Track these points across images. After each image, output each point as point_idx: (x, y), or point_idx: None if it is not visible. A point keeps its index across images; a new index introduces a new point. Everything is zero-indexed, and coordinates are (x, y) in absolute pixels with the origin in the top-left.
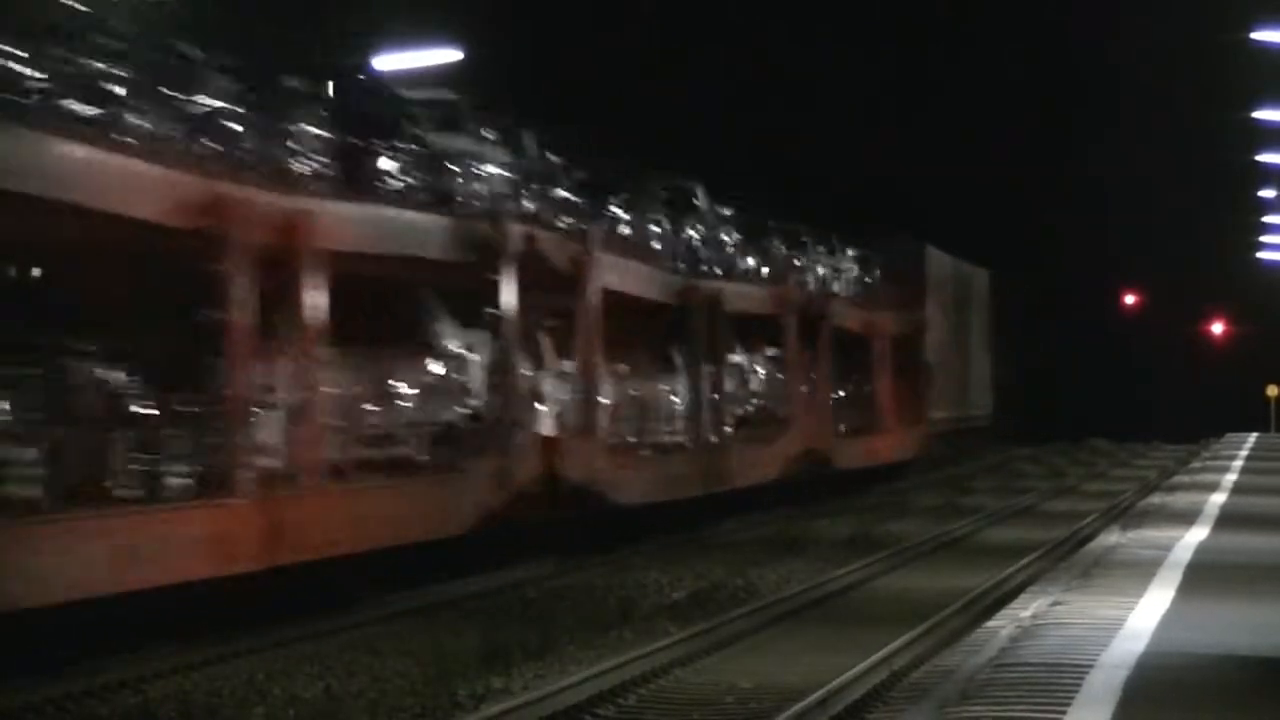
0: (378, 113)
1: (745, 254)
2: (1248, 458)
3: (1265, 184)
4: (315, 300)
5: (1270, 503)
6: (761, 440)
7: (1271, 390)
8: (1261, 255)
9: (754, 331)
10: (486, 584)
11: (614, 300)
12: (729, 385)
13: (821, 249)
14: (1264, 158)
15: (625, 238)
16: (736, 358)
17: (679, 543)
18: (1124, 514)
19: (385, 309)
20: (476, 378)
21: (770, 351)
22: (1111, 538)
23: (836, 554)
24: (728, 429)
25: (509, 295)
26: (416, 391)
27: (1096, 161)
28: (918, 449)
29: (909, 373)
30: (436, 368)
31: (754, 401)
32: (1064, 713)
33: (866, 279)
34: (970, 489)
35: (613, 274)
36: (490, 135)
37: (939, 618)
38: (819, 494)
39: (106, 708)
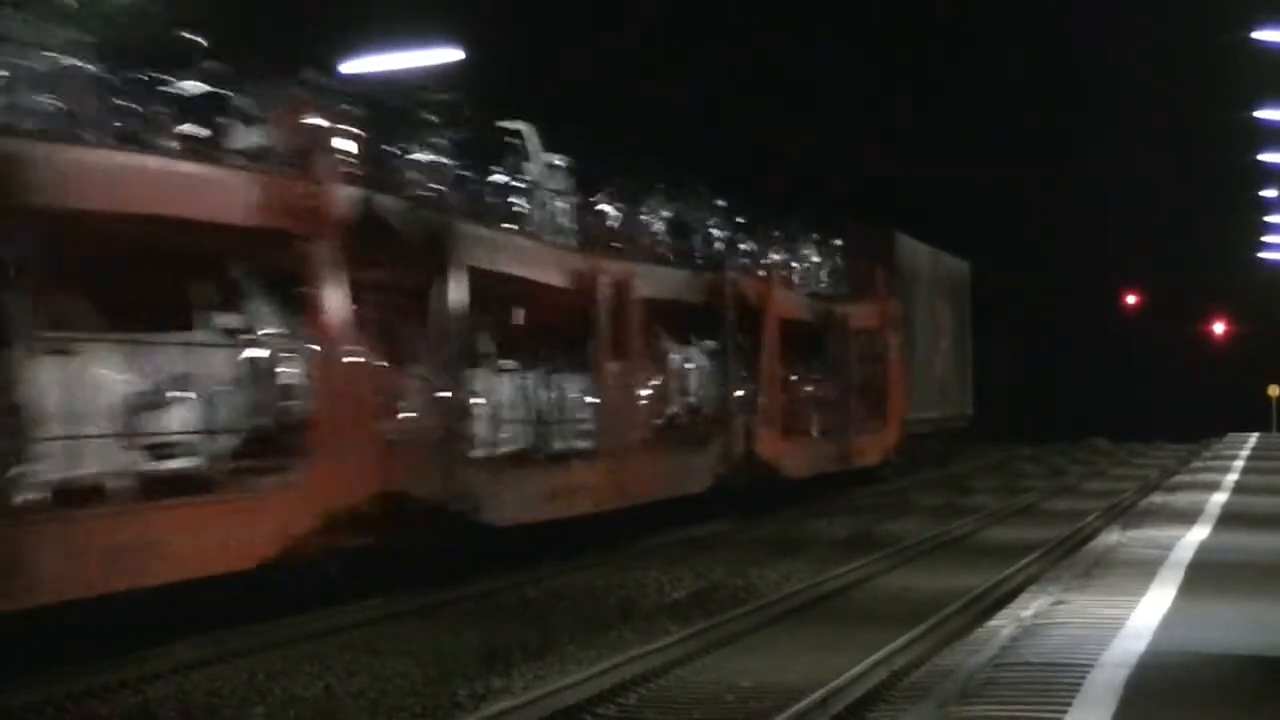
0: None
1: (676, 234)
2: (1249, 458)
3: (1266, 184)
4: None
5: (1272, 502)
6: (688, 445)
7: (1273, 390)
8: (1262, 255)
9: (688, 323)
10: (487, 584)
11: (491, 282)
12: (646, 383)
13: (776, 233)
14: (1264, 157)
15: (505, 202)
16: (663, 352)
17: (679, 543)
18: (1125, 513)
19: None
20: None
21: (709, 346)
22: (1112, 537)
23: (836, 553)
24: (645, 433)
25: (327, 274)
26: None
27: (1096, 161)
28: (886, 453)
29: (876, 370)
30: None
31: (684, 401)
32: (1065, 712)
33: (826, 267)
34: (970, 488)
35: (482, 250)
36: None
37: (939, 617)
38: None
39: (106, 708)
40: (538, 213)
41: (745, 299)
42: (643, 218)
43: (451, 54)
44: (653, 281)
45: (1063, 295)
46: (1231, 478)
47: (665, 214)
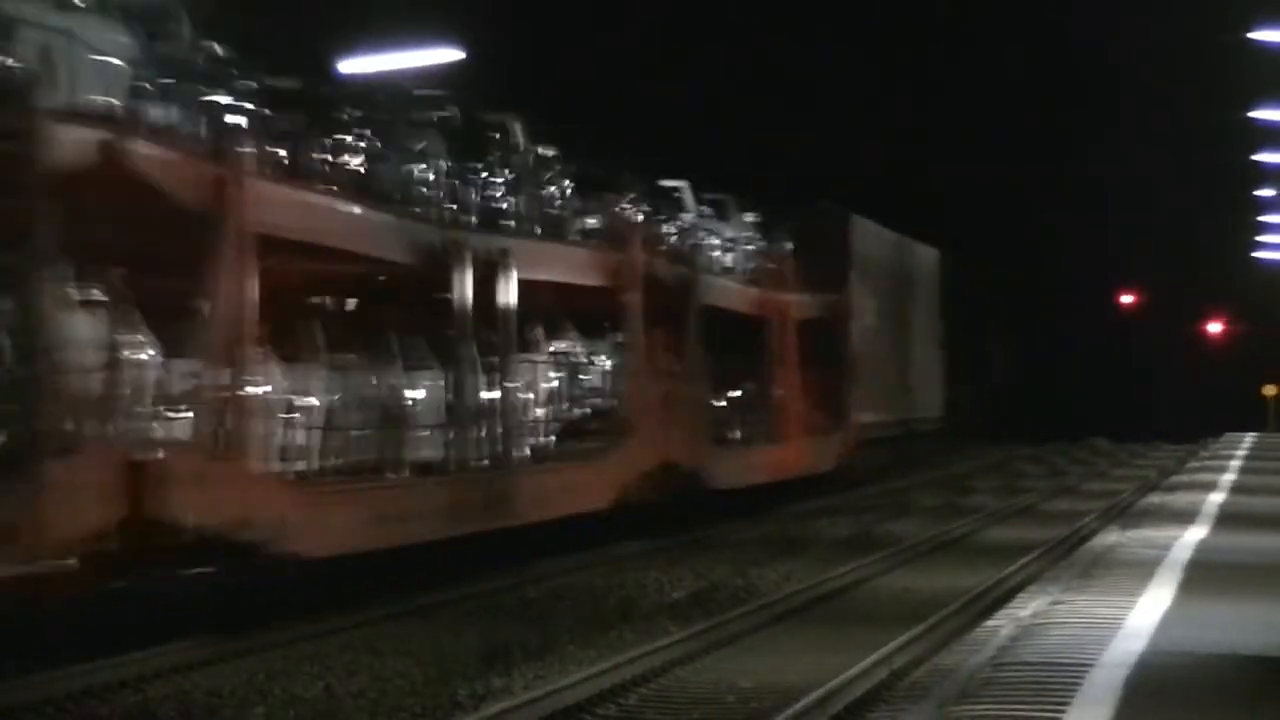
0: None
1: (578, 210)
2: (1246, 457)
3: (1264, 184)
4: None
5: (1269, 502)
6: (583, 456)
7: (1269, 390)
8: (1261, 255)
9: (596, 313)
10: (487, 584)
11: (297, 257)
12: (524, 382)
13: (706, 211)
14: (1264, 157)
15: (322, 161)
16: (549, 345)
17: (679, 543)
18: (1123, 513)
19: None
20: None
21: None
22: (1111, 537)
23: (836, 553)
24: (520, 441)
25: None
26: None
27: (1096, 161)
28: (838, 459)
29: (829, 366)
30: None
31: (581, 404)
32: (1064, 712)
33: (770, 252)
34: (970, 488)
35: (285, 213)
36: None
37: (939, 617)
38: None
39: (106, 708)
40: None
41: (661, 284)
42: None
43: (451, 54)
44: (534, 260)
45: (1063, 295)
46: (1229, 478)
47: (561, 181)
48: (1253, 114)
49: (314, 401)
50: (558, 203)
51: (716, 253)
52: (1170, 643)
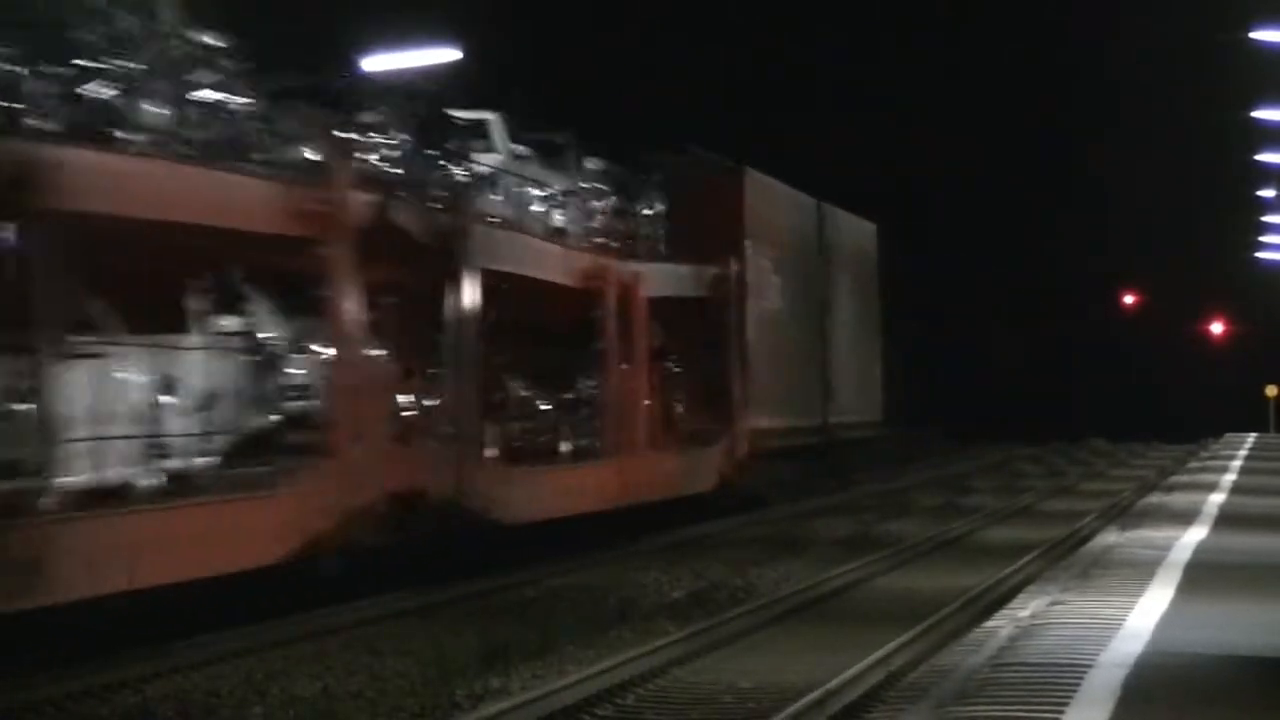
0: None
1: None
2: (1246, 458)
3: (1265, 184)
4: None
5: (1269, 503)
6: (237, 486)
7: (1270, 390)
8: (1261, 255)
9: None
10: (486, 584)
11: None
12: (154, 378)
13: (522, 151)
14: (1264, 157)
15: None
16: (221, 323)
17: (679, 542)
18: (1123, 514)
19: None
20: None
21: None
22: (1110, 537)
23: (835, 553)
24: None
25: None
26: None
27: (1096, 161)
28: (721, 475)
29: (705, 358)
30: None
31: (276, 409)
32: (1063, 712)
33: (623, 210)
34: (970, 488)
35: None
36: None
37: (937, 617)
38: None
39: (106, 708)
40: None
41: (400, 238)
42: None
43: (450, 54)
44: (146, 186)
45: (1063, 295)
46: (1229, 478)
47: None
48: (1253, 114)
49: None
50: (233, 110)
51: (538, 207)
52: (1169, 643)
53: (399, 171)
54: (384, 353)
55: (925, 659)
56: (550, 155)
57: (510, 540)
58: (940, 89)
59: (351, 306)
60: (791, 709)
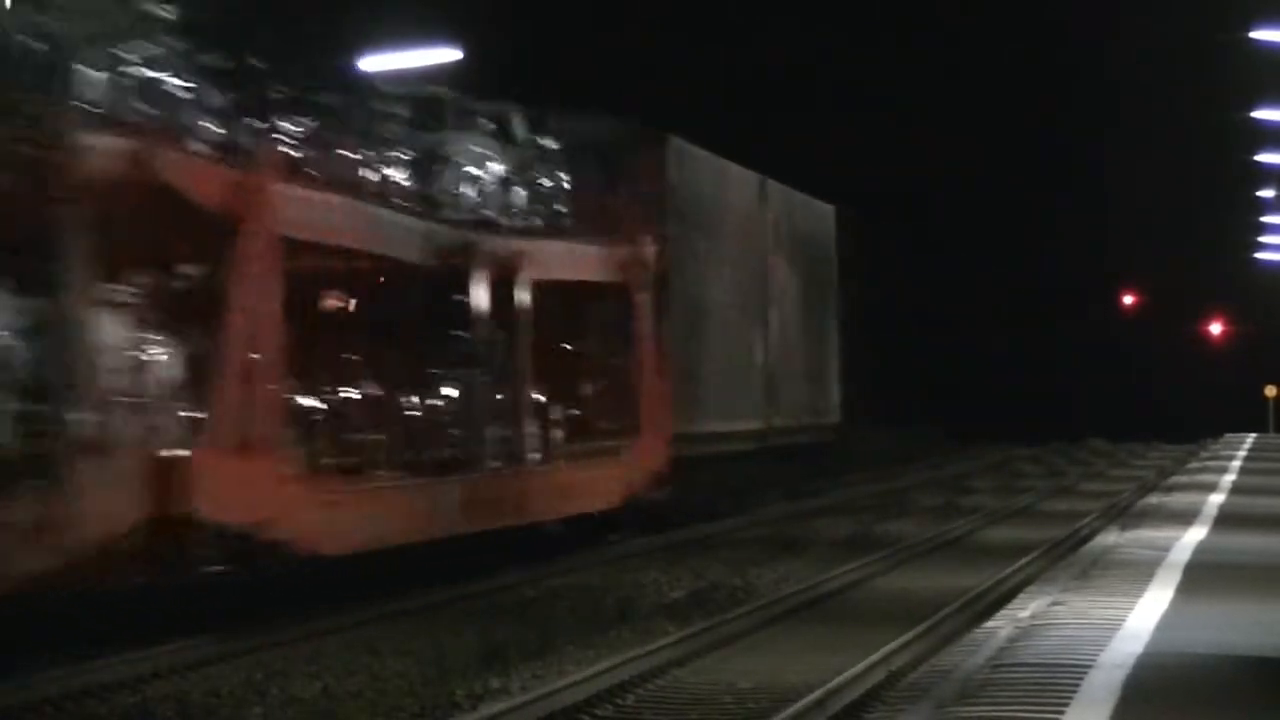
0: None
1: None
2: (1246, 458)
3: (1264, 184)
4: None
5: (1269, 503)
6: None
7: (1269, 390)
8: (1261, 255)
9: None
10: (486, 584)
11: None
12: None
13: (365, 98)
14: (1264, 158)
15: None
16: None
17: (678, 542)
18: (1122, 514)
19: None
20: None
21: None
22: (1110, 538)
23: (835, 553)
24: None
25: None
26: None
27: (1096, 161)
28: (627, 491)
29: (610, 352)
30: None
31: None
32: (1062, 713)
33: (510, 179)
34: (969, 489)
35: None
36: None
37: (937, 618)
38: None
39: (105, 707)
40: None
41: (147, 195)
42: None
43: (450, 54)
44: None
45: (1062, 295)
46: (1229, 478)
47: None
48: (1253, 114)
49: None
50: None
51: (399, 172)
52: (1169, 644)
53: (157, 113)
54: (143, 341)
55: (925, 659)
56: (424, 110)
57: (510, 541)
58: (940, 89)
59: (80, 282)
60: (791, 709)
